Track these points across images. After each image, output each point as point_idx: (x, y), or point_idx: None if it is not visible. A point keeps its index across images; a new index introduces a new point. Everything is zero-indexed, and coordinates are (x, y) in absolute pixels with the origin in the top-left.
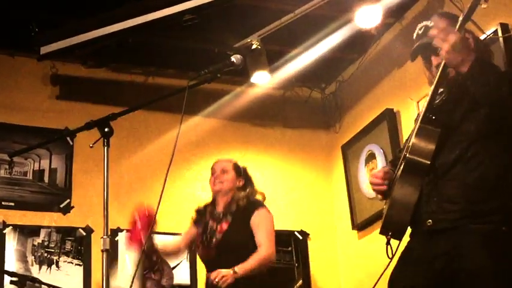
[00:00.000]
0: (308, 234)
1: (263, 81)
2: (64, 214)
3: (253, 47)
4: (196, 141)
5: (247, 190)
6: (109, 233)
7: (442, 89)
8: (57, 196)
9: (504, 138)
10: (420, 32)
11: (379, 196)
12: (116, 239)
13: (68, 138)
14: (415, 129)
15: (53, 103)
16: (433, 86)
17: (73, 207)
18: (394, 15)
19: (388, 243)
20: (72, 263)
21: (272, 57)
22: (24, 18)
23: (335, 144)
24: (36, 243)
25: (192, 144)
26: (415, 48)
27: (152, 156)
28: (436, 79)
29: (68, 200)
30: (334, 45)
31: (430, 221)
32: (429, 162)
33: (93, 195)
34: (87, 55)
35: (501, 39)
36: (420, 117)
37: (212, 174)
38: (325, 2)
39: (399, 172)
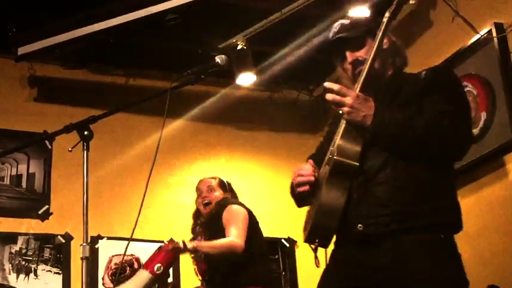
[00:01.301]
0: (295, 242)
1: (249, 83)
2: (42, 221)
3: (239, 47)
4: (180, 145)
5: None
6: (89, 240)
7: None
8: (35, 202)
9: None
10: (336, 30)
11: (303, 189)
12: (96, 246)
13: (47, 142)
14: (341, 130)
15: (30, 105)
16: (357, 87)
17: (52, 213)
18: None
19: (316, 251)
20: (51, 272)
21: (258, 57)
22: (1, 17)
23: None
24: (13, 251)
25: (175, 149)
26: (331, 45)
27: (134, 161)
28: (361, 83)
29: (47, 206)
30: (323, 46)
31: (360, 225)
32: (358, 164)
33: (72, 201)
34: (67, 56)
35: (495, 39)
36: None
37: (199, 195)
38: (314, 0)
39: (323, 175)
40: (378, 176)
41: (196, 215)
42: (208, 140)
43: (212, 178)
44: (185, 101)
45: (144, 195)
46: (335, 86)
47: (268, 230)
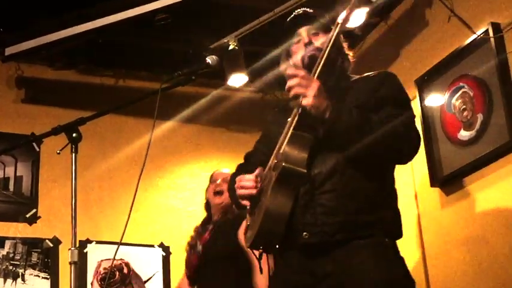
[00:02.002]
0: None
1: (240, 84)
2: (30, 224)
3: (230, 47)
4: (170, 148)
5: None
6: (77, 245)
7: None
8: (22, 205)
9: None
10: (300, 12)
11: (245, 203)
12: (84, 250)
13: (34, 144)
14: (288, 136)
15: (18, 107)
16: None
17: (39, 217)
18: (379, 14)
19: (260, 258)
20: (39, 276)
21: (250, 58)
22: None
23: None
24: (0, 256)
25: (165, 151)
26: (293, 17)
27: (123, 164)
28: (318, 73)
29: (34, 210)
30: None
31: (306, 233)
32: (305, 171)
33: (60, 204)
34: (55, 56)
35: (492, 39)
36: (293, 123)
37: (212, 182)
38: (306, 0)
39: (268, 180)
40: (325, 184)
41: (208, 206)
42: (199, 142)
43: (228, 173)
44: (175, 102)
45: (134, 199)
46: (300, 72)
47: None
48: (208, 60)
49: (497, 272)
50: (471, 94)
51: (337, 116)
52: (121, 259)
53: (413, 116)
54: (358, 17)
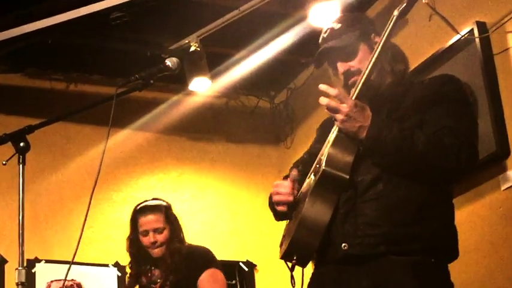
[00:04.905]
0: (255, 266)
1: (203, 89)
2: None
3: (192, 49)
4: (126, 158)
5: (181, 235)
6: (25, 264)
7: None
8: None
9: None
10: (325, 36)
11: (281, 209)
12: (33, 270)
13: None
14: (332, 138)
15: None
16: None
17: None
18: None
19: (292, 269)
20: None
21: (213, 61)
22: None
23: (286, 161)
24: None
25: (121, 162)
26: (318, 56)
27: (75, 176)
28: (356, 94)
29: None
30: (285, 47)
31: (345, 244)
32: (348, 177)
33: (6, 220)
34: (0, 59)
35: (477, 39)
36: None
37: (144, 235)
38: None
39: (307, 186)
40: (368, 191)
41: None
42: (158, 153)
43: (157, 210)
44: (132, 108)
45: (87, 214)
46: (332, 91)
47: (225, 253)
48: (168, 62)
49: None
50: None
51: (377, 134)
52: (72, 280)
53: (473, 126)
54: (330, 15)
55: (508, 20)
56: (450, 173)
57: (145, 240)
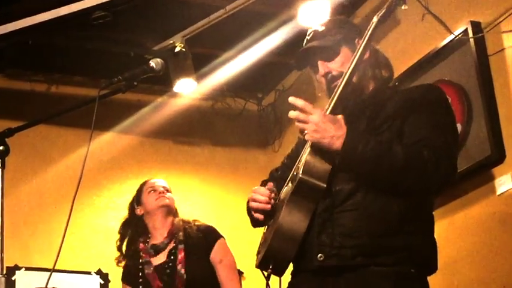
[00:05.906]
0: (242, 273)
1: (188, 91)
2: None
3: (177, 49)
4: (109, 162)
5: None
6: (4, 272)
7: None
8: None
9: None
10: (308, 38)
11: (257, 217)
12: (12, 278)
13: None
14: (309, 145)
15: None
16: (331, 103)
17: None
18: (343, 12)
19: (268, 278)
20: None
21: (199, 61)
22: None
23: (274, 164)
24: None
25: (103, 166)
26: (300, 56)
27: (56, 180)
28: (334, 102)
29: None
30: (273, 48)
31: (321, 255)
32: (325, 186)
33: None
34: None
35: (472, 40)
36: None
37: (154, 190)
38: None
39: (285, 193)
40: (346, 201)
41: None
42: (142, 156)
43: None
44: (115, 111)
45: (68, 220)
46: (299, 102)
47: None
48: (152, 63)
49: None
50: None
51: (352, 148)
52: None
53: (453, 136)
54: (320, 15)
55: (503, 20)
56: (429, 187)
57: (153, 195)
